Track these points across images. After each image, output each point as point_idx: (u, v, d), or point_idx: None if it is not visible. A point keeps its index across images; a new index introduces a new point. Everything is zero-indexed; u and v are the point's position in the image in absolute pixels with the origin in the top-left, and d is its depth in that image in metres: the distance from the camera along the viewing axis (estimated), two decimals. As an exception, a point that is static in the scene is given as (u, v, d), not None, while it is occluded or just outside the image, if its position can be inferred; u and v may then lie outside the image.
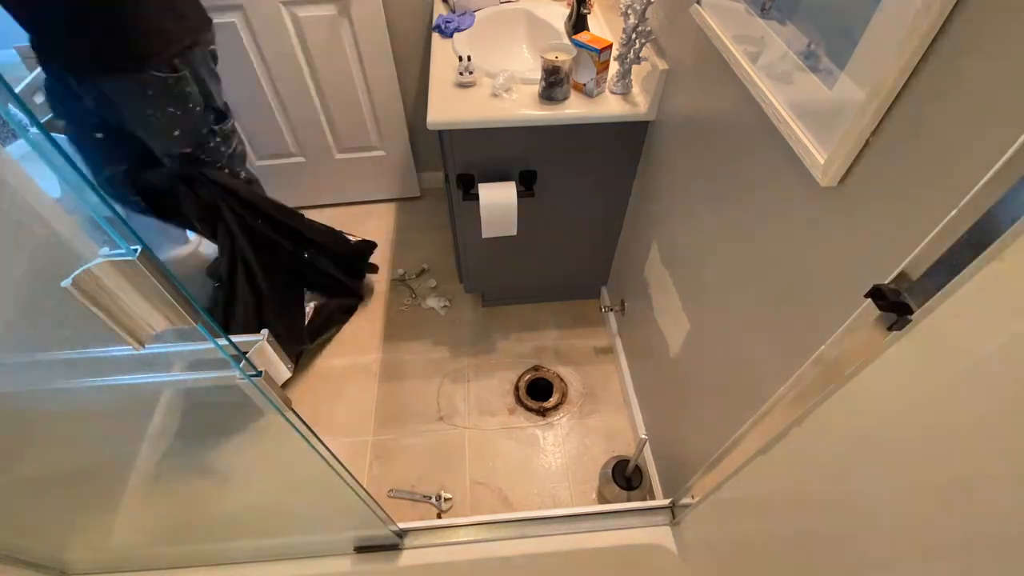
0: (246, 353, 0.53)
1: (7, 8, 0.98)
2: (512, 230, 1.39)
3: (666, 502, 1.10)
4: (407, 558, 1.05)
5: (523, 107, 1.20)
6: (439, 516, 1.39)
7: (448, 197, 1.42)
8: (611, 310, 1.72)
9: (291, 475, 0.93)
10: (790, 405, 0.62)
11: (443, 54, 1.36)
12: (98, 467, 0.99)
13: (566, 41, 1.27)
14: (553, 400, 1.63)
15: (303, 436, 0.68)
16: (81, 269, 0.39)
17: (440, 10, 1.55)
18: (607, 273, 1.77)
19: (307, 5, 1.60)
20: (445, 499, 1.41)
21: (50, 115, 1.56)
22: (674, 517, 1.09)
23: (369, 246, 1.78)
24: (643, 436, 1.30)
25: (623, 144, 1.30)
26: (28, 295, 0.69)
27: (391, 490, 1.43)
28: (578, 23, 1.33)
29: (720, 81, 0.86)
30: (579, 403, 1.62)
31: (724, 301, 0.92)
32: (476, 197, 1.33)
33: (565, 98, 1.21)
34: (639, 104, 1.21)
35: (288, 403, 0.59)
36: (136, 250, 0.40)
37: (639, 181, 1.38)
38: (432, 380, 1.67)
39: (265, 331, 0.55)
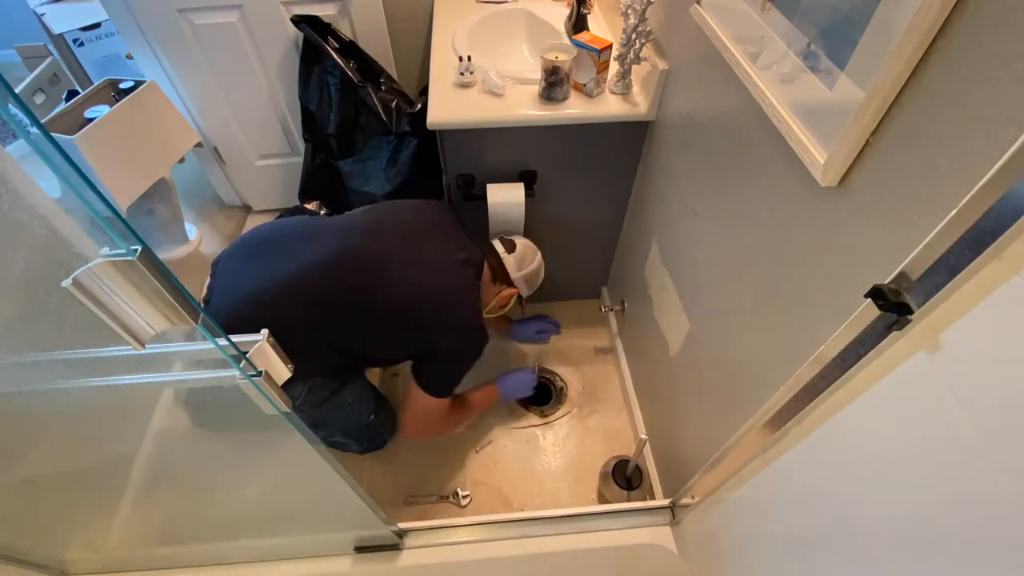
0: (246, 353, 0.53)
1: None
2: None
3: (666, 502, 1.10)
4: (407, 558, 1.05)
5: (523, 107, 1.20)
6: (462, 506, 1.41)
7: (448, 198, 1.42)
8: (611, 310, 1.72)
9: (291, 475, 0.93)
10: (790, 405, 0.62)
11: (443, 54, 1.36)
12: (98, 467, 0.99)
13: (566, 41, 1.27)
14: (553, 400, 1.63)
15: (303, 436, 0.68)
16: (81, 269, 0.39)
17: (440, 10, 1.55)
18: (607, 273, 1.77)
19: (307, 5, 1.60)
20: (463, 496, 1.42)
21: (50, 116, 1.57)
22: (674, 517, 1.09)
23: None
24: (643, 436, 1.30)
25: (623, 144, 1.30)
26: (28, 295, 0.69)
27: (408, 497, 1.42)
28: (578, 23, 1.33)
29: (720, 81, 0.86)
30: (579, 403, 1.62)
31: (724, 301, 0.92)
32: (476, 198, 1.33)
33: (565, 98, 1.21)
34: (639, 104, 1.21)
35: (288, 403, 0.59)
36: (136, 250, 0.40)
37: (639, 181, 1.38)
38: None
39: (265, 331, 0.55)
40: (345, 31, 1.65)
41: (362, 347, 1.12)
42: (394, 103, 1.62)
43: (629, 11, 1.09)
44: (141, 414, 1.01)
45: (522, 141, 1.27)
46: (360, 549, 1.05)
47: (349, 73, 1.58)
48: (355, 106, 1.63)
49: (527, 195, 1.34)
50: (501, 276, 1.29)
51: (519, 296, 1.35)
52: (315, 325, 1.05)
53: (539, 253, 1.35)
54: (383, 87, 1.64)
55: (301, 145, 1.90)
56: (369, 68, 1.66)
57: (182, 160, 1.78)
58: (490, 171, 1.32)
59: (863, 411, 0.52)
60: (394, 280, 1.08)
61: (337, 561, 1.05)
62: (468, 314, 1.16)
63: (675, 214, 1.13)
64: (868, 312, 0.46)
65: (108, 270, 0.40)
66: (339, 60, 1.57)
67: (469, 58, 1.23)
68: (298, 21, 1.57)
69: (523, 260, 1.31)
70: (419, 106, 1.63)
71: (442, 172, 1.35)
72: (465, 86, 1.25)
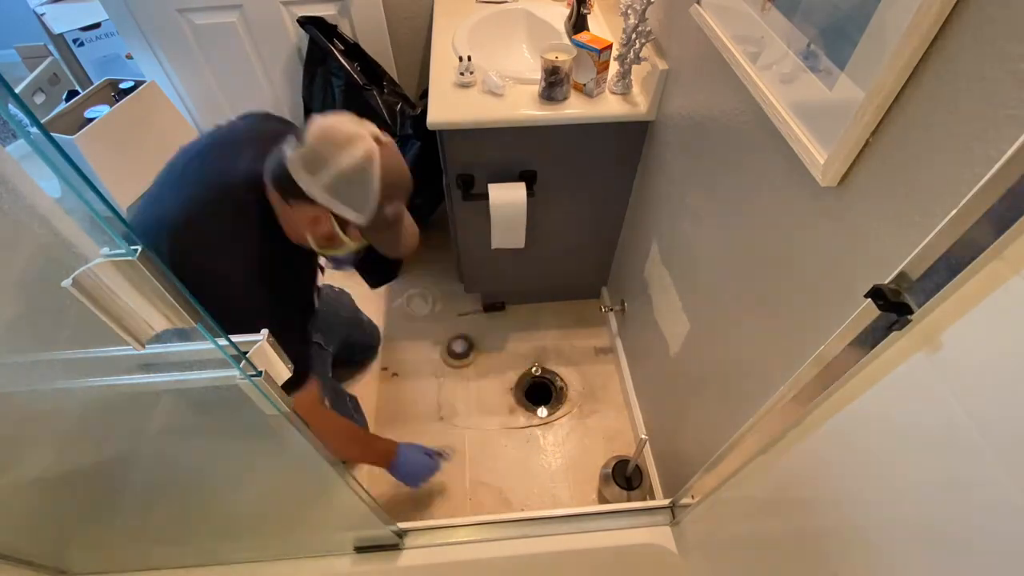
0: (246, 353, 0.53)
1: None
2: (520, 241, 1.38)
3: (666, 502, 1.10)
4: (407, 558, 1.05)
5: (523, 107, 1.20)
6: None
7: (448, 199, 1.42)
8: (611, 310, 1.72)
9: (291, 475, 0.93)
10: (790, 405, 0.62)
11: (443, 54, 1.36)
12: (98, 467, 0.99)
13: (566, 41, 1.27)
14: (553, 400, 1.63)
15: (303, 436, 0.68)
16: (81, 269, 0.39)
17: (440, 10, 1.55)
18: (607, 273, 1.77)
19: (307, 5, 1.60)
20: (463, 496, 1.41)
21: (50, 116, 1.57)
22: (674, 517, 1.09)
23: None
24: (643, 436, 1.30)
25: (623, 144, 1.30)
26: (28, 295, 0.69)
27: (408, 496, 1.41)
28: (578, 23, 1.33)
29: (720, 81, 0.86)
30: (579, 403, 1.62)
31: (724, 301, 0.92)
32: (475, 197, 1.32)
33: (565, 98, 1.21)
34: (639, 104, 1.21)
35: (288, 403, 0.59)
36: (136, 250, 0.40)
37: (639, 181, 1.38)
38: (432, 380, 1.67)
39: (265, 331, 0.55)
40: (345, 31, 1.65)
41: None
42: (398, 106, 1.62)
43: (629, 11, 1.09)
44: (141, 414, 1.01)
45: (522, 141, 1.27)
46: (360, 549, 1.05)
47: (354, 76, 1.58)
48: (359, 108, 1.63)
49: (527, 195, 1.34)
50: (293, 190, 0.81)
51: (348, 225, 0.85)
52: None
53: (365, 140, 0.79)
54: (386, 90, 1.65)
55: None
56: (372, 70, 1.66)
57: (182, 160, 1.78)
58: (490, 171, 1.32)
59: (863, 411, 0.52)
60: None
61: (337, 561, 1.05)
62: (205, 259, 0.85)
63: (675, 214, 1.13)
64: (868, 312, 0.46)
65: (108, 270, 0.40)
66: (344, 63, 1.57)
67: (469, 58, 1.22)
68: (304, 23, 1.57)
69: (318, 155, 0.78)
70: (419, 109, 1.64)
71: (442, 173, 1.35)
72: (465, 86, 1.25)
